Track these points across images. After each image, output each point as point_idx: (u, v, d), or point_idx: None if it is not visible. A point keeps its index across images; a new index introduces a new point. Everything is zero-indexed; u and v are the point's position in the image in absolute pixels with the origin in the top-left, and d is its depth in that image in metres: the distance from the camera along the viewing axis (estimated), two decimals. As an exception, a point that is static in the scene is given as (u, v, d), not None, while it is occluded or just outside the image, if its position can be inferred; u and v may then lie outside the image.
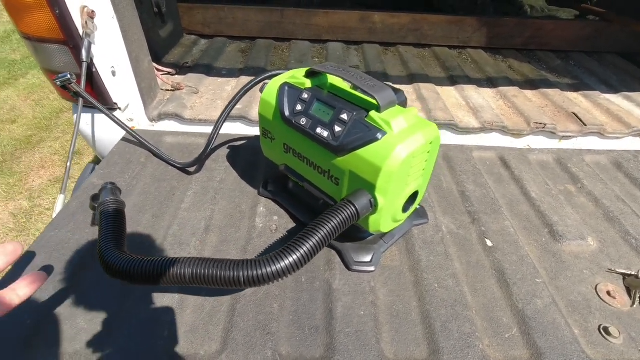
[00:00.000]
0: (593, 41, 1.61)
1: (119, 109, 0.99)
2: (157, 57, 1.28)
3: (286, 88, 0.65)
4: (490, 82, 1.33)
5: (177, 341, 0.54)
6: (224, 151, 0.94)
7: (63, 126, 2.76)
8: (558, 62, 1.50)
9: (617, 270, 0.69)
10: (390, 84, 0.60)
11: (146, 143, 0.87)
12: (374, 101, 0.56)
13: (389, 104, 0.56)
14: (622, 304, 0.64)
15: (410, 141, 0.54)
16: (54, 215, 0.72)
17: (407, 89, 1.25)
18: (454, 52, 1.56)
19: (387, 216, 0.60)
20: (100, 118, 1.00)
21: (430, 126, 0.58)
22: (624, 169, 0.96)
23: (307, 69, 0.65)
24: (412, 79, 1.31)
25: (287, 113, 0.63)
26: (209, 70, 1.31)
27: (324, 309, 0.60)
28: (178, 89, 1.16)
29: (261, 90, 0.69)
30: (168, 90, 1.16)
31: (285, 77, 0.67)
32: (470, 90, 1.25)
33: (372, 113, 0.56)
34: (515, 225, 0.78)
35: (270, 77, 0.69)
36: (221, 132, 1.04)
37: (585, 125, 1.08)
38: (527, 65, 1.48)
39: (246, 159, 0.92)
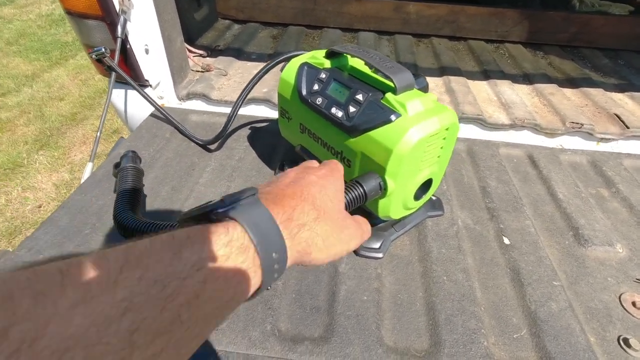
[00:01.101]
0: (649, 40, 1.49)
1: (150, 86, 1.03)
2: (190, 39, 1.32)
3: (305, 68, 0.65)
4: (527, 79, 1.26)
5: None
6: (245, 131, 0.95)
7: (105, 105, 2.90)
8: (605, 61, 1.40)
9: (646, 280, 0.64)
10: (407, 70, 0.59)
11: (171, 119, 0.90)
12: (391, 83, 0.54)
13: (406, 86, 0.55)
14: (647, 317, 0.59)
15: (425, 125, 0.53)
16: (82, 180, 0.77)
17: (436, 82, 1.21)
18: (490, 47, 1.49)
19: (397, 202, 0.59)
20: (132, 94, 1.04)
21: (448, 111, 0.56)
22: (667, 176, 0.89)
23: (327, 49, 0.64)
24: (442, 71, 1.27)
25: (304, 92, 0.63)
26: (239, 54, 1.33)
27: (328, 290, 0.60)
28: (208, 71, 1.19)
29: (281, 70, 0.69)
30: (198, 71, 1.20)
31: (306, 57, 0.67)
32: (504, 86, 1.19)
33: (388, 95, 0.55)
34: (537, 226, 0.74)
35: (290, 58, 0.69)
36: (245, 113, 1.07)
37: (628, 127, 1.00)
38: (569, 62, 1.39)
39: (266, 140, 0.93)
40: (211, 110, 1.07)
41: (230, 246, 0.27)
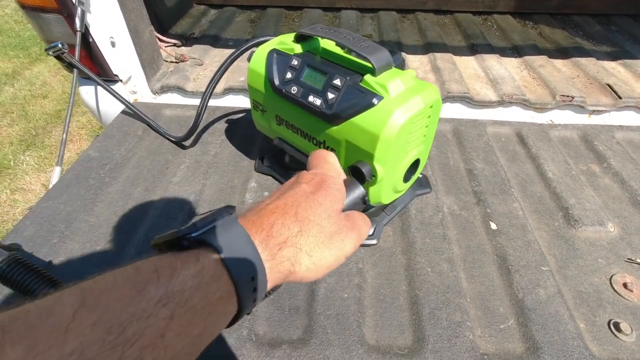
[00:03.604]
0: (643, 3, 1.42)
1: (120, 80, 0.98)
2: (162, 28, 1.26)
3: (275, 55, 0.60)
4: (516, 51, 1.21)
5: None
6: (222, 124, 0.91)
7: (88, 101, 2.83)
8: (597, 28, 1.34)
9: (638, 260, 0.62)
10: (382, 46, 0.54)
11: (142, 115, 0.86)
12: (368, 64, 0.51)
13: (385, 66, 0.51)
14: (639, 298, 0.57)
15: (409, 105, 0.49)
16: (50, 186, 0.73)
17: (421, 60, 1.17)
18: (477, 19, 1.43)
19: (387, 187, 0.56)
20: (103, 90, 1.00)
21: (430, 88, 0.53)
22: (660, 148, 0.86)
23: (295, 33, 0.60)
24: (428, 48, 1.21)
25: (276, 82, 0.59)
26: (216, 41, 1.27)
27: (307, 289, 0.57)
28: (182, 61, 1.14)
29: (249, 60, 0.65)
30: (172, 62, 1.14)
31: (274, 43, 0.62)
32: (492, 60, 1.14)
33: (367, 77, 0.51)
34: (526, 208, 0.72)
35: (257, 44, 0.65)
36: (222, 104, 1.02)
37: (620, 97, 0.96)
38: (560, 31, 1.34)
39: (244, 132, 0.89)
40: (188, 103, 1.03)
41: (201, 275, 0.25)
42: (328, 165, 0.38)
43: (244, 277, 0.26)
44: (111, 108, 1.02)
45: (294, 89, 0.56)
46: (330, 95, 0.52)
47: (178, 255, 0.25)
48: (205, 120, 0.92)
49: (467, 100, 0.98)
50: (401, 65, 0.58)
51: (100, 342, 0.19)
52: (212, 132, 0.89)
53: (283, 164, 0.75)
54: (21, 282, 0.46)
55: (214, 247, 0.26)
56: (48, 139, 2.52)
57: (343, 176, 0.38)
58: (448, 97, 0.98)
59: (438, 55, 1.16)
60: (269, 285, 0.29)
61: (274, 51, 0.60)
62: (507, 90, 0.99)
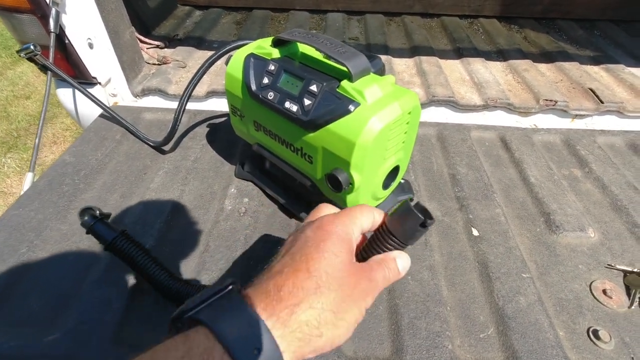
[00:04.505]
0: (627, 9, 1.44)
1: (99, 83, 0.96)
2: (145, 29, 1.23)
3: (252, 60, 0.59)
4: (501, 55, 1.22)
5: (130, 324, 0.52)
6: (203, 129, 0.90)
7: (72, 102, 2.78)
8: (580, 32, 1.36)
9: (618, 266, 0.62)
10: (361, 51, 0.53)
11: (120, 119, 0.84)
12: (346, 69, 0.49)
13: (362, 71, 0.50)
14: (618, 305, 0.57)
15: (386, 112, 0.49)
16: (22, 192, 0.71)
17: (407, 63, 1.16)
18: (464, 23, 1.44)
19: (365, 194, 0.55)
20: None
21: (409, 94, 0.52)
22: (641, 153, 0.86)
23: (273, 37, 0.59)
24: (414, 51, 1.21)
25: (253, 87, 0.58)
26: (200, 43, 1.25)
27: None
28: (164, 63, 1.11)
29: (227, 64, 0.63)
30: (154, 64, 1.12)
31: (251, 47, 0.61)
32: (477, 64, 1.14)
33: (344, 83, 0.50)
34: (508, 213, 0.71)
35: (235, 48, 0.63)
36: (205, 108, 1.00)
37: (602, 102, 0.97)
38: (544, 36, 1.35)
39: (226, 137, 0.87)
40: (170, 106, 1.01)
41: (189, 356, 0.23)
42: (328, 210, 0.35)
43: (245, 350, 0.24)
44: (90, 111, 0.99)
45: (270, 95, 0.55)
46: (307, 102, 0.51)
47: (168, 341, 0.24)
48: (186, 125, 0.90)
49: (452, 104, 0.98)
50: (381, 71, 0.57)
51: None
52: (193, 137, 0.87)
53: (263, 169, 0.74)
54: (129, 254, 0.53)
55: (203, 322, 0.25)
56: (30, 141, 2.47)
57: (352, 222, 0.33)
58: (433, 101, 0.98)
59: (424, 58, 1.16)
60: (293, 357, 0.26)
61: (251, 55, 0.59)
62: (491, 94, 0.99)
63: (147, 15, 1.25)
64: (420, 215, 0.31)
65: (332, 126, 0.49)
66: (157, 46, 1.19)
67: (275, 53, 0.58)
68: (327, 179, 0.52)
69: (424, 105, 0.98)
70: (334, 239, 0.31)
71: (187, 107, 0.98)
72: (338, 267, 0.29)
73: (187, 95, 0.70)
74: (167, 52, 1.18)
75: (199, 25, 1.36)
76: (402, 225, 0.33)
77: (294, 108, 0.53)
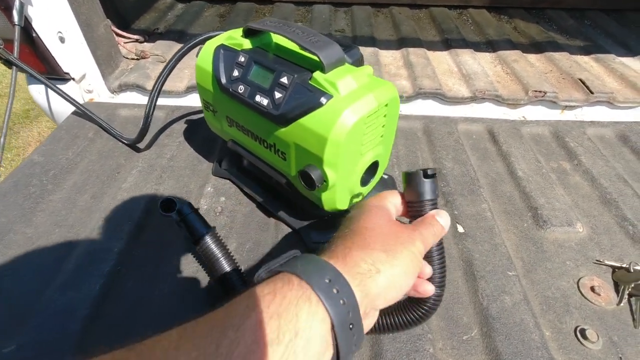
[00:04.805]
0: (617, -4, 1.41)
1: (73, 79, 0.92)
2: (124, 23, 1.19)
3: (221, 51, 0.56)
4: (490, 46, 1.19)
5: (95, 334, 0.49)
6: (181, 125, 0.86)
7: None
8: (570, 22, 1.33)
9: (606, 262, 0.60)
10: (337, 40, 0.50)
11: (93, 116, 0.80)
12: (318, 60, 0.46)
13: (335, 62, 0.47)
14: (606, 302, 0.55)
15: (360, 104, 0.46)
16: (-14, 195, 0.67)
17: (394, 55, 1.13)
18: (453, 13, 1.40)
19: (342, 192, 0.52)
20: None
21: (386, 85, 0.49)
22: (630, 143, 0.84)
23: (244, 27, 0.56)
24: (401, 43, 1.18)
25: (223, 81, 0.55)
26: (181, 36, 1.21)
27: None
28: (143, 58, 1.08)
29: (197, 56, 0.60)
30: (132, 59, 1.08)
31: (222, 38, 0.58)
32: (466, 55, 1.12)
33: (316, 74, 0.47)
34: (495, 209, 0.69)
35: (205, 40, 0.60)
36: (184, 104, 0.97)
37: (592, 93, 0.95)
38: (534, 26, 1.32)
39: (205, 133, 0.84)
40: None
41: (274, 291, 0.28)
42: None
43: (319, 279, 0.28)
44: (64, 108, 0.95)
45: (241, 88, 0.52)
46: (277, 95, 0.48)
47: (256, 287, 0.29)
48: (164, 121, 0.87)
49: (440, 96, 0.96)
50: (359, 61, 0.54)
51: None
52: (170, 134, 0.84)
53: (241, 167, 0.71)
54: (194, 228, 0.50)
55: (281, 272, 0.30)
56: (15, 140, 2.43)
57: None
58: (420, 94, 0.95)
59: (411, 50, 1.13)
60: (359, 290, 0.30)
61: (221, 47, 0.56)
62: (480, 86, 0.97)
63: (126, 8, 1.21)
64: (418, 170, 0.38)
65: (304, 120, 0.47)
66: (137, 40, 1.15)
67: (247, 44, 0.55)
68: (299, 176, 0.49)
69: (410, 98, 0.96)
70: (371, 209, 0.37)
71: (165, 103, 0.95)
72: (379, 223, 0.35)
73: (157, 90, 0.67)
74: (147, 46, 1.14)
75: (180, 19, 1.31)
76: (413, 188, 0.39)
77: (265, 102, 0.50)
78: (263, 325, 0.25)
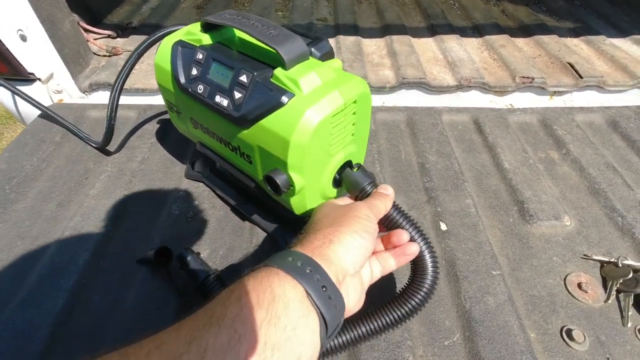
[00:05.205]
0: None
1: (39, 80, 0.88)
2: (94, 18, 1.14)
3: (179, 48, 0.52)
4: (477, 31, 1.15)
5: (55, 354, 0.47)
6: (153, 125, 0.82)
7: (40, 99, 2.66)
8: (560, 3, 1.29)
9: (594, 256, 0.58)
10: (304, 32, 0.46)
11: (58, 118, 0.76)
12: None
13: (298, 57, 0.44)
14: (594, 299, 0.53)
15: (325, 102, 0.42)
16: (-54, 207, 0.64)
17: (378, 43, 1.09)
18: (439, -3, 1.36)
19: (312, 195, 0.49)
20: (23, 90, 0.89)
21: (354, 81, 0.46)
22: (620, 129, 0.81)
23: (201, 21, 0.52)
24: (385, 30, 1.14)
25: (182, 80, 0.51)
26: (156, 31, 1.16)
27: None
28: (115, 54, 1.03)
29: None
30: (104, 56, 1.04)
31: (181, 33, 0.54)
32: (451, 41, 1.08)
33: (277, 71, 0.44)
34: (479, 204, 0.66)
35: (164, 35, 0.56)
36: (156, 102, 0.92)
37: (582, 77, 0.91)
38: (523, 8, 1.28)
39: (178, 134, 0.79)
40: (122, 102, 0.92)
41: (254, 279, 0.31)
42: None
43: (284, 260, 0.33)
44: (33, 110, 0.91)
45: (200, 88, 0.49)
46: (237, 95, 0.45)
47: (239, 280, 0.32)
48: (135, 121, 0.83)
49: (424, 86, 0.92)
50: (328, 55, 0.50)
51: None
52: (142, 135, 0.80)
53: (214, 169, 0.68)
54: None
55: (257, 268, 0.34)
56: (0, 142, 2.37)
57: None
58: (403, 84, 0.92)
59: (395, 38, 1.09)
60: (321, 259, 0.34)
61: (179, 43, 0.52)
62: (465, 73, 0.93)
63: (96, 2, 1.16)
64: (346, 170, 0.50)
65: (265, 122, 0.43)
66: (109, 36, 1.10)
67: (206, 39, 0.51)
68: (265, 180, 0.46)
69: (393, 88, 0.92)
70: (318, 207, 0.44)
71: (137, 102, 0.91)
72: (325, 211, 0.42)
73: (117, 90, 0.63)
74: (120, 42, 1.10)
75: (156, 12, 1.26)
76: (350, 185, 0.48)
77: (225, 102, 0.46)
78: (241, 297, 0.29)
